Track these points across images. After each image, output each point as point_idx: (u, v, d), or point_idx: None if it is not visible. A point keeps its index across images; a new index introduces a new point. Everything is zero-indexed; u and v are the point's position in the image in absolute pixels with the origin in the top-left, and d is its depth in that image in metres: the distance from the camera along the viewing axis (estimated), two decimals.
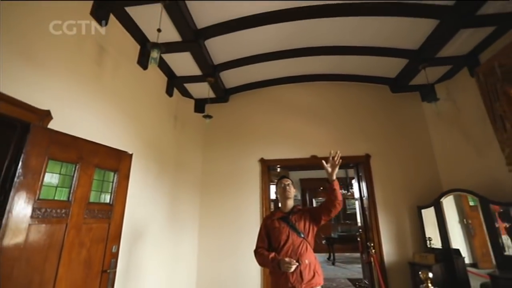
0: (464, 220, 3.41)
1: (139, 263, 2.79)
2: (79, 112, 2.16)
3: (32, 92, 1.76)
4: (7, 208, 1.51)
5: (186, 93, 4.36)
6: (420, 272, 1.68)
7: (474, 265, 3.21)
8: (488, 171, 3.16)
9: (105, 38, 2.51)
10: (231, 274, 3.75)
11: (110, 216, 2.20)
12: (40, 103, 1.80)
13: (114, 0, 2.46)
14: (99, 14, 2.40)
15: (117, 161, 2.33)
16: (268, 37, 3.34)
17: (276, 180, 2.11)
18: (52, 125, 1.85)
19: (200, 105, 4.50)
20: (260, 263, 1.88)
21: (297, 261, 1.71)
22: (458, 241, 3.36)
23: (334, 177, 1.75)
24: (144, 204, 2.96)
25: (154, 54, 2.13)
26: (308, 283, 1.69)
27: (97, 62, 2.41)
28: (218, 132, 4.48)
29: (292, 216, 1.90)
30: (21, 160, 1.60)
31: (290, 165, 4.30)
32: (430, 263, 3.04)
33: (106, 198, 2.22)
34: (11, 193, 1.53)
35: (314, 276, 1.73)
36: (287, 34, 3.30)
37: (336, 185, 1.76)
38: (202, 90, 4.17)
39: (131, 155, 2.49)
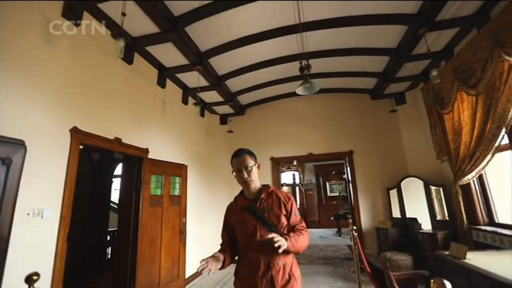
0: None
1: (196, 228, 4.49)
2: (158, 144, 3.76)
3: (140, 139, 3.36)
4: (140, 200, 3.17)
5: (213, 111, 5.88)
6: (350, 226, 3.08)
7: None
8: (434, 162, 4.32)
9: (165, 94, 4.07)
10: None
11: (180, 202, 3.86)
12: (143, 145, 3.41)
13: (170, 72, 3.98)
14: (161, 81, 3.94)
15: (180, 171, 3.95)
16: (271, 71, 4.64)
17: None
18: (150, 156, 3.47)
19: (224, 119, 6.02)
20: None
21: (268, 263, 1.36)
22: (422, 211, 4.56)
23: (285, 246, 1.25)
24: (195, 194, 4.61)
25: (198, 108, 3.64)
26: None
27: (162, 111, 3.98)
28: (238, 137, 5.97)
29: (260, 204, 1.47)
30: (142, 176, 3.24)
31: (293, 161, 5.71)
32: (388, 227, 4.38)
33: (176, 192, 3.86)
34: (140, 193, 3.18)
35: (289, 280, 1.38)
36: (285, 69, 4.58)
37: (291, 246, 1.31)
38: (225, 108, 5.67)
39: (187, 166, 4.09)
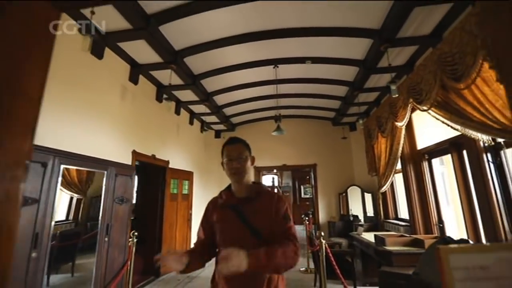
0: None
1: (198, 218, 5.97)
2: (175, 157, 5.21)
3: (164, 154, 4.82)
4: (164, 197, 4.63)
5: (210, 128, 7.38)
6: (304, 216, 4.74)
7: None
8: (368, 176, 6.12)
9: (179, 119, 5.54)
10: None
11: (188, 199, 5.35)
12: (166, 158, 4.87)
13: (185, 103, 5.46)
14: (177, 110, 5.41)
15: (188, 176, 5.44)
16: (257, 103, 6.23)
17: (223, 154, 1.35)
18: (170, 166, 4.93)
19: (218, 134, 7.55)
20: None
21: (252, 274, 1.06)
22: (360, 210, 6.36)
23: (245, 265, 0.97)
24: (197, 193, 6.09)
25: (205, 133, 5.15)
26: None
27: (177, 132, 5.45)
28: None
29: (248, 204, 1.25)
30: (165, 180, 4.71)
31: (271, 169, 7.33)
32: (335, 221, 6.13)
33: (186, 191, 5.35)
34: (165, 191, 4.65)
35: None
36: (267, 102, 6.19)
37: (256, 264, 1.01)
38: (219, 126, 7.19)
39: (193, 172, 5.59)
